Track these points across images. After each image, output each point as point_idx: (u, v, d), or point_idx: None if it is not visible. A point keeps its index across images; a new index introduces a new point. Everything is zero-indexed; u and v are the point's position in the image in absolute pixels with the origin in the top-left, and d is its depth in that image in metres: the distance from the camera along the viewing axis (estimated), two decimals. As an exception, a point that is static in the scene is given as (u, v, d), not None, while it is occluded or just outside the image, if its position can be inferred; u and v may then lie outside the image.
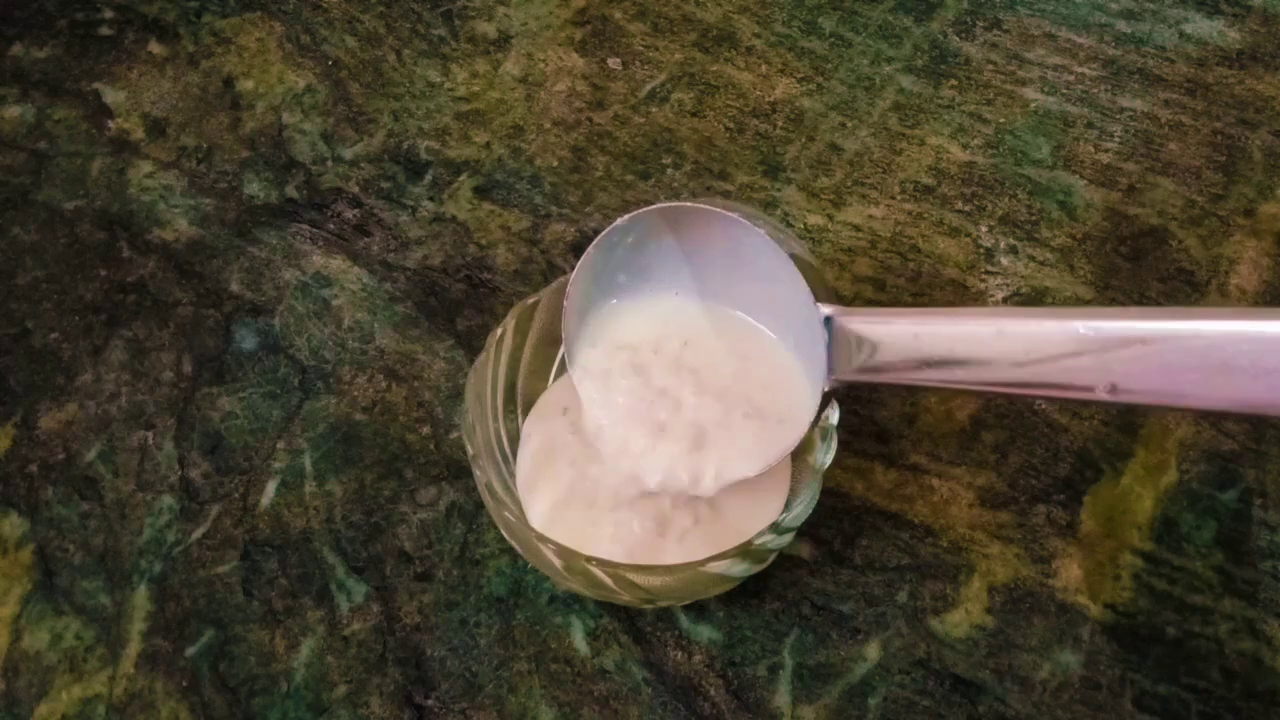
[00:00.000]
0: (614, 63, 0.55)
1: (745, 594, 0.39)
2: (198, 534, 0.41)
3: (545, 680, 0.38)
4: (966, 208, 0.49)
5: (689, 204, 0.37)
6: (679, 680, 0.38)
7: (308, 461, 0.43)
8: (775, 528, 0.34)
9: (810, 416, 0.37)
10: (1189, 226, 0.48)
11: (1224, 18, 0.56)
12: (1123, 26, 0.55)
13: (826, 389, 0.36)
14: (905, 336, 0.33)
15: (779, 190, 0.50)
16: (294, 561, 0.40)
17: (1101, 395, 0.29)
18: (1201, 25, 0.55)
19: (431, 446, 0.43)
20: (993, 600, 0.39)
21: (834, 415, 0.36)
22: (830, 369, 0.36)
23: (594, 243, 0.38)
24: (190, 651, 0.39)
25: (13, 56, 0.56)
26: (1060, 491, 0.41)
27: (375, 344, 0.46)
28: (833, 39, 0.56)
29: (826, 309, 0.35)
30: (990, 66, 0.54)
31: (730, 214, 0.37)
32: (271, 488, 0.42)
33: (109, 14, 0.58)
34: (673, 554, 0.36)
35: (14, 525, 0.42)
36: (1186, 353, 0.28)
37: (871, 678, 0.37)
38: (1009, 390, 0.32)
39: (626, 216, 0.38)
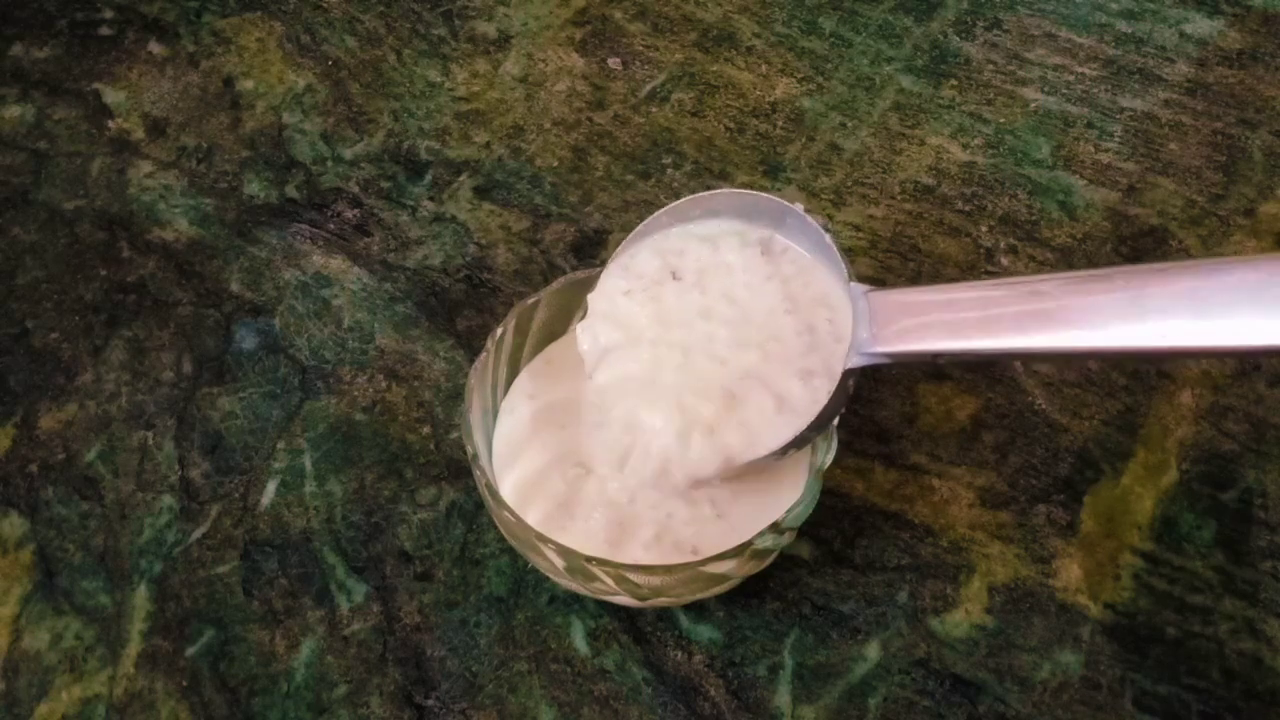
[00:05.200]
0: (614, 63, 0.55)
1: (745, 594, 0.39)
2: (198, 534, 0.41)
3: (545, 680, 0.38)
4: (966, 208, 0.49)
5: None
6: (679, 680, 0.38)
7: (308, 461, 0.43)
8: (775, 528, 0.34)
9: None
10: (1189, 226, 0.48)
11: (1224, 18, 0.56)
12: (1123, 26, 0.55)
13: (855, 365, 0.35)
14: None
15: (779, 190, 0.50)
16: (294, 561, 0.40)
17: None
18: (1201, 25, 0.55)
19: (431, 446, 0.43)
20: (993, 600, 0.39)
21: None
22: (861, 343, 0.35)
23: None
24: (190, 651, 0.39)
25: (13, 56, 0.56)
26: (1060, 491, 0.41)
27: (375, 344, 0.46)
28: (833, 39, 0.56)
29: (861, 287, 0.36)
30: (990, 66, 0.54)
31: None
32: (271, 488, 0.42)
33: (109, 14, 0.58)
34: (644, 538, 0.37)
35: (14, 525, 0.42)
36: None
37: (871, 678, 0.37)
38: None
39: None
